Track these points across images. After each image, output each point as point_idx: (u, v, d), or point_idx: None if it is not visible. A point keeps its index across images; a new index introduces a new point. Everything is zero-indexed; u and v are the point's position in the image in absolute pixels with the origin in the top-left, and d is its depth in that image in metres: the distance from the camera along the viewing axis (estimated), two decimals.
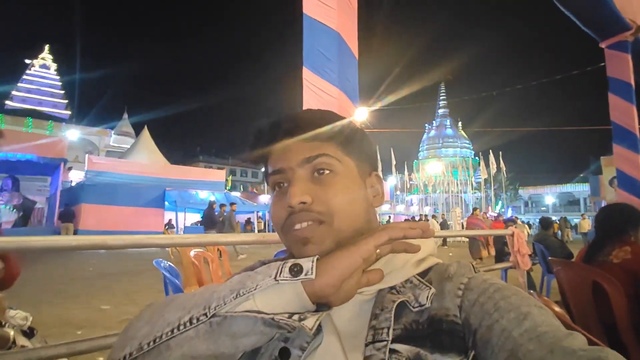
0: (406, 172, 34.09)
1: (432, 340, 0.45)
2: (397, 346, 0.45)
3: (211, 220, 10.37)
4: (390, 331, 0.46)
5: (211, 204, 10.91)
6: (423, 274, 0.55)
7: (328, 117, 0.60)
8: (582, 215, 17.34)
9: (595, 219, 2.11)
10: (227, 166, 47.69)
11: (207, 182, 18.41)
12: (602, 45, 4.05)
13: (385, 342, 0.45)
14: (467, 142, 45.68)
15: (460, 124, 46.80)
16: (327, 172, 0.55)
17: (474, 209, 10.28)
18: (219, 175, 20.59)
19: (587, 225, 15.40)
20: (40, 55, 39.63)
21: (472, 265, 0.55)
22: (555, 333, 0.40)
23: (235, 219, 10.62)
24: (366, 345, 0.46)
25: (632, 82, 3.80)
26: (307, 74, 1.66)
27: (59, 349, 1.15)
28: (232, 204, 11.13)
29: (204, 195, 16.65)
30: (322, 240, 0.52)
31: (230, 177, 37.99)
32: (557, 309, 0.98)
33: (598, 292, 1.80)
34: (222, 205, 11.09)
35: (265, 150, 0.60)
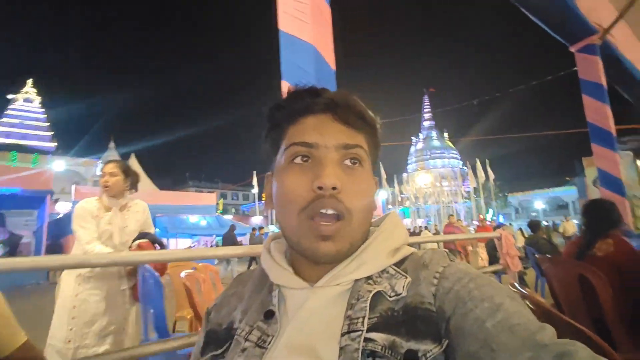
0: (396, 185, 34.26)
1: (407, 328, 0.45)
2: (373, 335, 0.45)
3: (232, 243, 10.66)
4: (366, 320, 0.46)
5: (232, 227, 11.29)
6: (399, 264, 0.54)
7: (367, 109, 0.57)
8: (566, 217, 16.41)
9: (581, 215, 2.17)
10: (217, 190, 47.42)
11: (198, 207, 18.18)
12: (572, 49, 4.22)
13: (360, 332, 0.45)
14: (455, 152, 46.13)
15: (446, 135, 47.41)
16: (357, 164, 0.54)
17: (450, 216, 10.26)
18: (209, 199, 20.38)
19: (571, 227, 14.56)
20: (23, 90, 39.39)
21: (447, 253, 0.55)
22: (528, 326, 0.40)
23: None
24: (342, 335, 0.46)
25: (604, 83, 3.95)
26: (286, 87, 1.70)
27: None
28: (260, 227, 12.23)
29: (195, 219, 16.48)
30: (343, 238, 0.51)
31: (222, 200, 37.73)
32: (539, 297, 1.00)
33: (585, 285, 1.82)
34: (253, 229, 12.22)
35: (297, 114, 0.56)
